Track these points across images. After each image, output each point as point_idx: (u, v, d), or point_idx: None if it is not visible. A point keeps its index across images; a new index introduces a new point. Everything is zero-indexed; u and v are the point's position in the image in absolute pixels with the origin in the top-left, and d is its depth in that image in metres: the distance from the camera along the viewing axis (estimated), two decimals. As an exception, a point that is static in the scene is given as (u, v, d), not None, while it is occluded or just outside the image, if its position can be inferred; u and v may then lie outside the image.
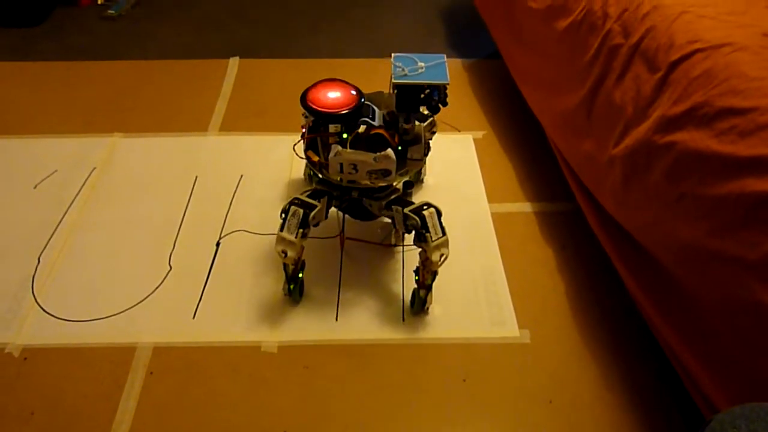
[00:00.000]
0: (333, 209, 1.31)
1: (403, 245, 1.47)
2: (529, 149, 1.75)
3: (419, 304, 1.29)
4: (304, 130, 1.25)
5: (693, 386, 1.01)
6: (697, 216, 0.96)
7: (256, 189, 1.61)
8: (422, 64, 1.20)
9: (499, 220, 1.54)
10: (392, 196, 1.25)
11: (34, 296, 1.33)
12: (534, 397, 1.18)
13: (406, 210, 1.21)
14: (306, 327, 1.29)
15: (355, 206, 1.30)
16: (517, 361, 1.24)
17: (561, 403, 1.17)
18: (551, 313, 1.32)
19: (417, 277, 1.27)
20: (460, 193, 1.60)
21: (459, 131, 1.83)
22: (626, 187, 1.13)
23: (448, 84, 1.19)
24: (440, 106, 1.20)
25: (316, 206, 1.20)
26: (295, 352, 1.24)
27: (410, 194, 1.28)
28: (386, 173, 1.18)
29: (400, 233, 1.43)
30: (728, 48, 0.99)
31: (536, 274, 1.41)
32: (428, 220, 1.19)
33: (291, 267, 1.25)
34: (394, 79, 1.18)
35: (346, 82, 1.23)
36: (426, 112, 1.25)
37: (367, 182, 1.20)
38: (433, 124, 1.30)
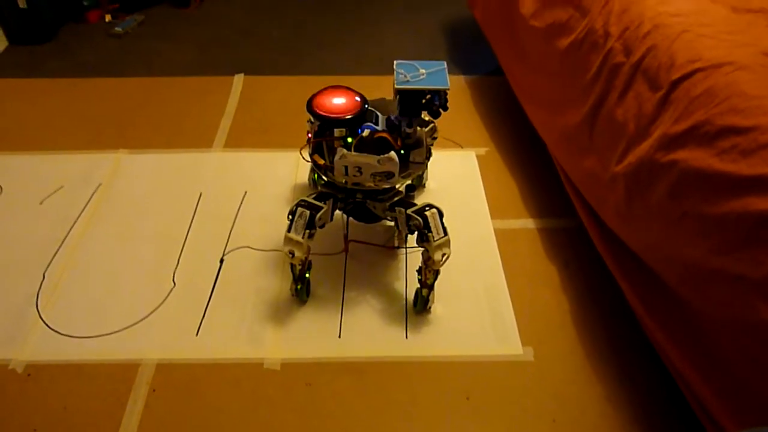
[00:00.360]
0: (338, 213, 1.34)
1: (406, 247, 1.49)
2: (532, 165, 1.75)
3: (422, 303, 1.32)
4: (309, 135, 1.29)
5: (698, 405, 1.01)
6: (700, 234, 0.96)
7: (260, 205, 1.62)
8: (423, 71, 1.25)
9: (502, 236, 1.54)
10: (395, 198, 1.29)
11: (38, 312, 1.34)
12: (538, 415, 1.17)
13: (409, 211, 1.25)
14: (309, 344, 1.29)
15: (359, 209, 1.33)
16: (521, 379, 1.23)
17: (565, 422, 1.16)
18: (555, 331, 1.32)
19: (420, 277, 1.30)
20: (463, 210, 1.60)
21: (462, 147, 1.84)
22: (629, 204, 1.14)
23: (448, 89, 1.23)
24: (441, 110, 1.24)
25: (322, 208, 1.24)
26: (297, 369, 1.24)
27: (412, 197, 1.32)
28: (389, 175, 1.21)
29: (403, 235, 1.45)
30: (729, 67, 1.00)
31: (540, 291, 1.41)
32: (430, 220, 1.22)
33: (298, 267, 1.28)
34: (397, 84, 1.21)
35: (351, 89, 1.27)
36: (427, 118, 1.29)
37: (371, 184, 1.23)
38: (434, 130, 1.34)
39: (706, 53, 1.05)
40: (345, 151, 1.18)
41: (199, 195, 1.64)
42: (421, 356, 1.27)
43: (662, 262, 1.08)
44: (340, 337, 1.30)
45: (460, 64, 2.26)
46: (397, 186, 1.29)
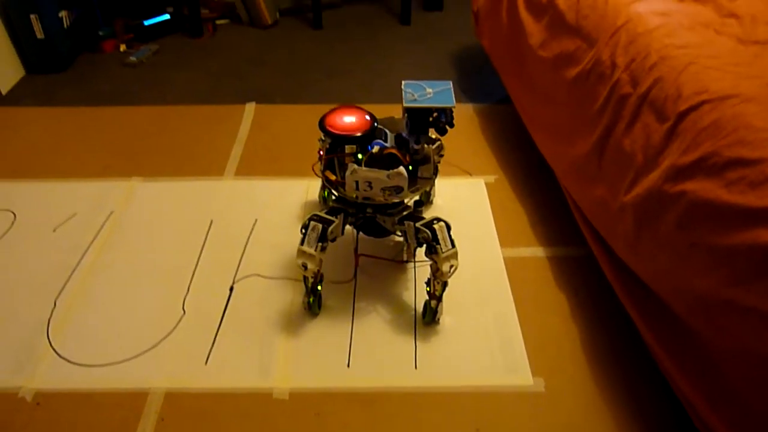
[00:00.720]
0: (348, 231, 1.39)
1: (414, 261, 1.53)
2: (541, 193, 1.76)
3: (431, 314, 1.35)
4: (321, 153, 1.34)
5: (710, 438, 0.99)
6: (710, 265, 0.95)
7: (270, 233, 1.63)
8: (430, 90, 1.30)
9: (511, 264, 1.54)
10: (404, 213, 1.33)
11: (48, 340, 1.34)
12: (548, 447, 1.16)
13: (417, 224, 1.29)
14: (317, 374, 1.28)
15: (369, 224, 1.37)
16: (531, 411, 1.22)
17: (576, 455, 1.15)
18: (565, 361, 1.31)
19: (428, 289, 1.33)
20: (473, 237, 1.60)
21: (471, 175, 1.85)
22: (638, 234, 1.14)
23: (454, 107, 1.28)
24: (447, 127, 1.29)
25: (333, 221, 1.28)
26: (306, 399, 1.24)
27: (420, 212, 1.36)
28: (399, 190, 1.25)
29: (412, 249, 1.51)
30: (735, 99, 1.01)
31: (550, 319, 1.40)
32: (438, 233, 1.26)
33: (311, 280, 1.32)
34: (405, 103, 1.27)
35: (361, 108, 1.32)
36: (434, 136, 1.34)
37: (381, 198, 1.27)
38: (440, 147, 1.39)
39: (713, 85, 1.06)
40: (356, 166, 1.23)
41: (210, 223, 1.66)
42: (430, 386, 1.26)
43: (672, 292, 1.07)
44: (349, 366, 1.30)
45: (468, 92, 2.29)
46: (405, 201, 1.33)
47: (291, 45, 2.68)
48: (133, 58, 2.51)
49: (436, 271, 1.27)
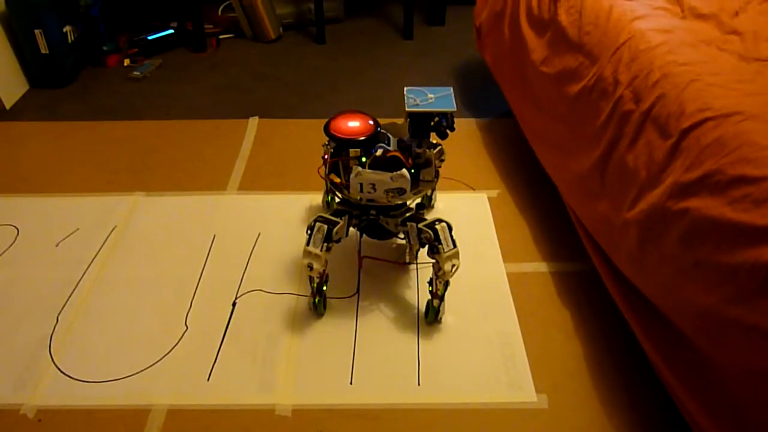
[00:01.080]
0: (352, 235, 1.42)
1: (417, 263, 1.57)
2: (544, 208, 1.76)
3: (433, 313, 1.39)
4: (326, 156, 1.38)
5: (716, 458, 0.98)
6: (714, 283, 0.95)
7: (273, 248, 1.63)
8: (432, 95, 1.35)
9: (514, 280, 1.53)
10: (407, 214, 1.37)
11: (51, 356, 1.34)
12: (553, 466, 1.15)
13: (420, 225, 1.32)
14: (320, 390, 1.28)
15: (372, 226, 1.41)
16: (535, 427, 1.21)
17: (581, 473, 1.14)
18: (569, 377, 1.30)
19: (431, 288, 1.37)
20: (476, 252, 1.60)
21: (474, 190, 1.85)
22: (642, 251, 1.13)
23: (455, 111, 1.33)
24: (448, 131, 1.33)
25: (338, 222, 1.32)
26: (309, 416, 1.23)
27: (422, 214, 1.39)
28: (402, 191, 1.29)
29: (414, 251, 1.56)
30: (738, 116, 1.01)
31: (553, 335, 1.40)
32: (440, 233, 1.30)
33: (316, 280, 1.35)
34: (407, 107, 1.32)
35: (364, 113, 1.36)
36: (435, 141, 1.38)
37: (385, 200, 1.30)
38: (441, 152, 1.43)
39: (716, 102, 1.06)
40: (360, 168, 1.26)
41: (212, 237, 1.66)
42: (434, 403, 1.25)
43: (676, 308, 1.07)
44: (352, 383, 1.29)
45: (470, 107, 2.30)
46: (408, 203, 1.37)
47: (294, 59, 2.69)
48: (137, 73, 2.52)
49: (438, 270, 1.31)
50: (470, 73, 2.55)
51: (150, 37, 2.69)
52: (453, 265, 1.29)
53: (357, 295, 1.49)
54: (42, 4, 2.25)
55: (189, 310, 1.45)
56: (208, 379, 1.30)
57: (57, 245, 1.63)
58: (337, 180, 1.34)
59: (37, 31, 2.28)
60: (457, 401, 1.26)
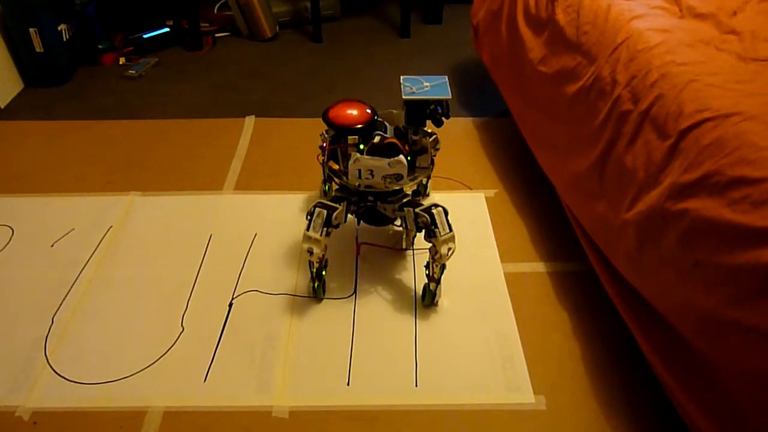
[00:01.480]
0: (350, 223, 1.49)
1: (413, 249, 1.60)
2: (542, 208, 1.76)
3: (429, 296, 1.43)
4: (324, 144, 1.41)
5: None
6: (713, 284, 0.95)
7: (269, 248, 1.62)
8: (427, 84, 1.37)
9: (512, 280, 1.53)
10: (404, 200, 1.40)
11: (46, 357, 1.33)
12: (551, 467, 1.15)
13: (416, 210, 1.35)
14: (318, 391, 1.27)
15: (370, 212, 1.44)
16: (533, 429, 1.21)
17: (579, 475, 1.14)
18: (567, 378, 1.30)
19: (427, 272, 1.40)
20: (473, 253, 1.60)
21: (471, 189, 1.85)
22: (640, 252, 1.13)
23: (450, 99, 1.34)
24: (443, 119, 1.34)
25: (337, 208, 1.35)
26: (306, 418, 1.23)
27: (419, 200, 1.43)
28: (399, 177, 1.32)
29: (411, 237, 1.61)
30: (737, 117, 1.00)
31: (551, 336, 1.39)
32: (437, 217, 1.33)
33: (316, 265, 1.38)
34: (404, 95, 1.34)
35: (362, 102, 1.39)
36: (430, 130, 1.40)
37: (382, 186, 1.34)
38: (436, 141, 1.45)
39: (715, 103, 1.05)
40: (359, 155, 1.30)
41: (209, 237, 1.65)
42: (431, 404, 1.25)
43: (675, 310, 1.06)
44: (349, 384, 1.28)
45: (468, 106, 2.29)
46: (405, 189, 1.41)
47: (291, 58, 2.68)
48: (132, 72, 2.51)
49: (434, 254, 1.34)
50: (467, 72, 2.54)
51: (145, 36, 2.67)
52: (449, 249, 1.32)
53: (354, 295, 1.48)
54: (37, 2, 2.24)
55: (185, 311, 1.44)
56: (205, 381, 1.29)
57: (52, 245, 1.62)
58: (336, 167, 1.37)
59: (31, 30, 2.27)
60: (454, 402, 1.25)
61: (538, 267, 1.57)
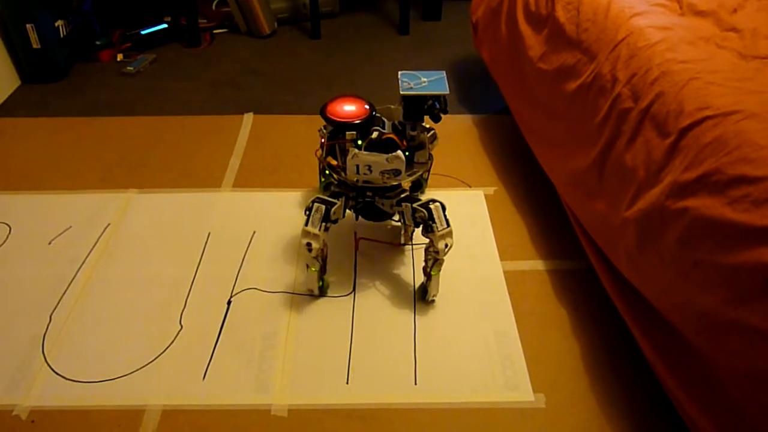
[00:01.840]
0: (349, 224, 1.53)
1: (412, 244, 1.61)
2: (541, 205, 1.75)
3: (423, 291, 1.45)
4: (323, 140, 1.41)
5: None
6: (714, 284, 0.94)
7: (268, 246, 1.61)
8: (425, 79, 1.37)
9: (511, 278, 1.53)
10: (402, 195, 1.41)
11: (44, 356, 1.33)
12: (550, 466, 1.15)
13: (414, 205, 1.36)
14: (317, 390, 1.27)
15: (368, 208, 1.44)
16: (532, 427, 1.21)
17: (578, 473, 1.14)
18: (567, 377, 1.30)
19: (424, 266, 1.41)
20: (472, 250, 1.60)
21: (470, 187, 1.84)
22: (640, 251, 1.13)
23: (447, 94, 1.35)
24: (441, 114, 1.35)
25: (335, 203, 1.36)
26: (305, 416, 1.22)
27: (417, 196, 1.43)
28: (397, 172, 1.32)
29: (409, 233, 1.61)
30: (738, 115, 1.00)
31: (550, 334, 1.39)
32: (434, 212, 1.34)
33: (319, 263, 1.39)
34: (402, 91, 1.34)
35: (360, 97, 1.39)
36: (428, 126, 1.41)
37: (380, 181, 1.34)
38: (434, 136, 1.45)
39: (715, 101, 1.05)
40: (357, 150, 1.30)
41: (207, 235, 1.64)
42: (430, 403, 1.25)
43: (674, 309, 1.06)
44: (348, 383, 1.28)
45: (467, 103, 2.28)
46: (402, 184, 1.40)
47: (289, 55, 2.67)
48: (130, 68, 2.49)
49: (432, 250, 1.35)
50: (467, 69, 2.53)
51: (143, 32, 2.66)
52: (446, 244, 1.32)
53: (353, 293, 1.48)
54: (34, -2, 2.23)
55: (183, 309, 1.44)
56: (203, 379, 1.29)
57: (50, 243, 1.62)
58: (334, 162, 1.38)
59: (28, 26, 2.26)
60: (453, 401, 1.25)
61: (538, 265, 1.57)
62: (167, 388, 1.27)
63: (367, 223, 1.53)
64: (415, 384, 1.28)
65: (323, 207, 1.34)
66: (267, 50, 2.71)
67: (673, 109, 1.11)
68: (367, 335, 1.38)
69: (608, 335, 1.38)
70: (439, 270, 1.38)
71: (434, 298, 1.44)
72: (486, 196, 1.80)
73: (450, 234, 1.33)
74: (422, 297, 1.45)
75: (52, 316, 1.41)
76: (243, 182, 1.85)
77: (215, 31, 2.84)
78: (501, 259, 1.58)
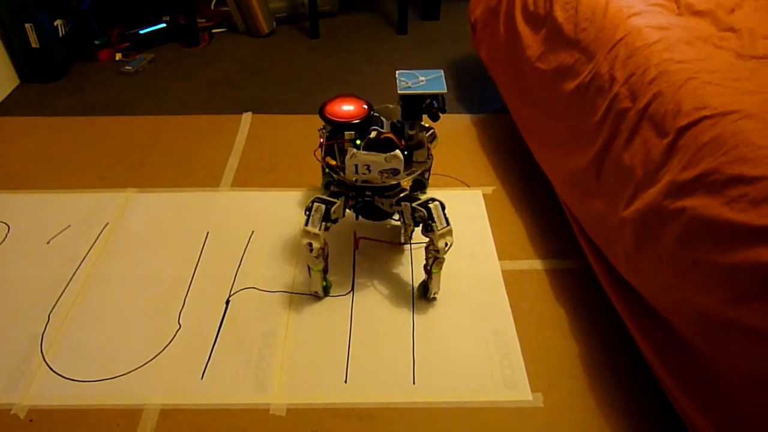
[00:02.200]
0: (348, 220, 1.51)
1: (411, 243, 1.61)
2: (540, 205, 1.75)
3: (423, 290, 1.45)
4: (322, 140, 1.41)
5: (712, 457, 0.98)
6: (712, 283, 0.95)
7: (267, 245, 1.61)
8: (423, 78, 1.37)
9: (509, 278, 1.53)
10: (401, 194, 1.40)
11: (42, 355, 1.33)
12: (548, 464, 1.15)
13: (414, 204, 1.36)
14: (315, 389, 1.27)
15: (368, 207, 1.44)
16: (530, 426, 1.21)
17: (576, 472, 1.14)
18: (565, 376, 1.30)
19: (425, 264, 1.41)
20: (470, 250, 1.60)
21: (468, 186, 1.85)
22: (638, 250, 1.13)
23: (445, 93, 1.34)
24: (439, 113, 1.35)
25: (335, 203, 1.36)
26: (304, 415, 1.22)
27: (417, 195, 1.43)
28: (395, 172, 1.32)
29: (408, 232, 1.61)
30: (736, 115, 1.00)
31: (549, 333, 1.39)
32: (434, 211, 1.34)
33: (322, 263, 1.39)
34: (399, 90, 1.33)
35: (358, 97, 1.39)
36: (427, 124, 1.41)
37: (379, 181, 1.34)
38: (433, 136, 1.46)
39: (713, 101, 1.05)
40: (355, 150, 1.30)
41: (206, 235, 1.64)
42: (429, 402, 1.25)
43: (673, 308, 1.06)
44: (346, 382, 1.28)
45: (465, 102, 2.28)
46: (402, 183, 1.40)
47: (288, 54, 2.67)
48: (128, 67, 2.49)
49: (432, 248, 1.35)
50: (465, 68, 2.53)
51: (142, 31, 2.66)
52: (446, 243, 1.32)
53: (352, 293, 1.48)
54: (32, -3, 2.22)
55: (182, 308, 1.44)
56: (202, 378, 1.29)
57: (48, 242, 1.62)
58: (333, 162, 1.37)
59: (27, 25, 2.26)
60: (452, 400, 1.25)
61: (536, 264, 1.57)
62: (166, 387, 1.27)
63: (366, 222, 1.53)
64: (414, 383, 1.28)
65: (323, 206, 1.34)
66: (266, 50, 2.71)
67: (670, 108, 1.11)
68: (366, 334, 1.38)
69: (606, 335, 1.38)
70: (440, 268, 1.38)
71: (435, 295, 1.44)
72: (484, 195, 1.80)
73: (450, 232, 1.33)
74: (423, 294, 1.46)
75: (51, 315, 1.41)
76: (242, 182, 1.85)
77: (214, 31, 2.84)
78: (499, 259, 1.58)
